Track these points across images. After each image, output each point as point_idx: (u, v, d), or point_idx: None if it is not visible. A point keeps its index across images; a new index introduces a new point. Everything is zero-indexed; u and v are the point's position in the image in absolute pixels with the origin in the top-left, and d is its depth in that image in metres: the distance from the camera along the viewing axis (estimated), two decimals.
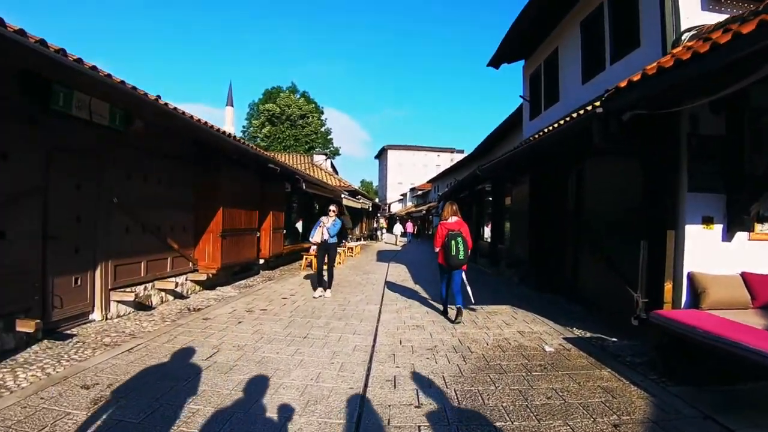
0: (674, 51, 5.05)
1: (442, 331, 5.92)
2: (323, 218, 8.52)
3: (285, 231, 13.09)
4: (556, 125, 6.12)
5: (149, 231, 6.77)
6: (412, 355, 4.85)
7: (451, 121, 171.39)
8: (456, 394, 3.76)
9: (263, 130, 48.46)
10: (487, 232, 15.72)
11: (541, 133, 6.64)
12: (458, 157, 43.98)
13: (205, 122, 6.78)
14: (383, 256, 19.28)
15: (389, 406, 3.50)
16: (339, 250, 15.10)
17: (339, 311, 7.10)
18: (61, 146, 5.21)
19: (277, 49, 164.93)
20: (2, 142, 4.40)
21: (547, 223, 8.90)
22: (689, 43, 5.10)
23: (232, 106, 47.38)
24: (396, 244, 30.11)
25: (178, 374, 4.04)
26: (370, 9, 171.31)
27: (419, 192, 54.93)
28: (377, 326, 6.16)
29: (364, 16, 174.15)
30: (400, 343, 5.30)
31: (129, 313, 6.33)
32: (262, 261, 11.41)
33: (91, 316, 5.79)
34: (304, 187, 12.66)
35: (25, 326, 4.43)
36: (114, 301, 6.04)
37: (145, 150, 6.66)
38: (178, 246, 7.51)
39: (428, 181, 48.97)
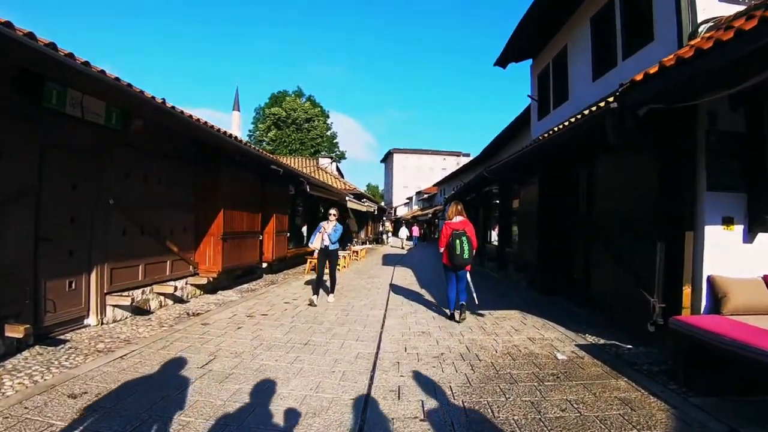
0: (692, 42, 4.83)
1: (449, 338, 5.68)
2: (323, 223, 8.10)
3: (289, 234, 12.90)
4: (566, 123, 5.90)
5: (148, 233, 6.60)
6: (418, 363, 4.62)
7: (458, 125, 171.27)
8: (464, 406, 3.53)
9: (269, 134, 48.47)
10: (494, 235, 15.46)
11: (550, 132, 6.41)
12: (464, 161, 43.75)
13: (205, 122, 6.62)
14: (389, 260, 19.06)
15: (393, 419, 3.28)
16: (343, 253, 14.94)
17: (342, 316, 6.88)
18: (56, 145, 5.05)
19: (284, 54, 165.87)
20: None
21: (557, 225, 8.64)
22: (707, 35, 4.88)
23: (238, 110, 47.26)
24: (402, 248, 29.85)
25: (171, 383, 3.85)
26: (373, 12, 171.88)
27: (425, 195, 54.68)
28: (381, 332, 5.93)
29: (368, 19, 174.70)
30: (405, 350, 5.07)
31: (126, 317, 6.15)
32: (265, 264, 11.22)
33: (86, 321, 5.62)
34: (308, 189, 12.48)
35: (14, 331, 4.26)
36: (110, 305, 5.86)
37: (144, 150, 6.50)
38: (178, 249, 7.34)
39: (434, 185, 48.69)
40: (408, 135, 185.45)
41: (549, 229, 8.83)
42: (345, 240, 21.78)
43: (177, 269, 7.41)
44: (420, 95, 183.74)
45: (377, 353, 4.94)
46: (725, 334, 3.60)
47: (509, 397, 3.72)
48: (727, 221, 4.86)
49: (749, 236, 4.84)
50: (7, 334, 4.24)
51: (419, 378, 4.15)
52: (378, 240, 38.84)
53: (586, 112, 5.31)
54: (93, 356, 4.54)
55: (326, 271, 8.15)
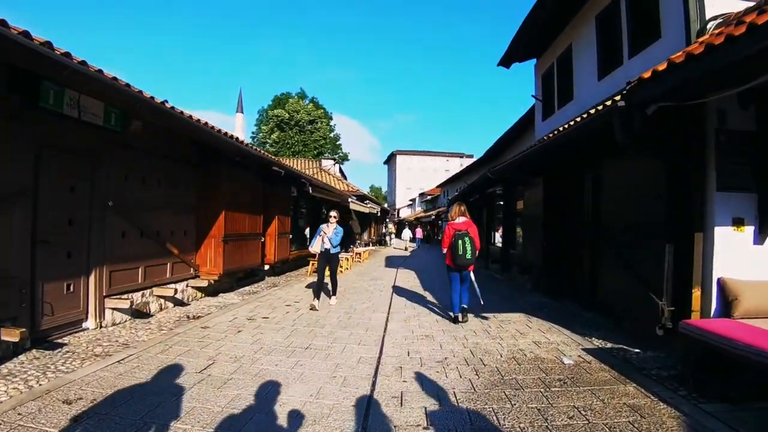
0: (700, 39, 4.72)
1: (452, 342, 5.57)
2: (323, 226, 7.89)
3: (291, 236, 12.82)
4: (572, 123, 5.79)
5: (147, 235, 6.53)
6: (421, 368, 4.51)
7: (461, 126, 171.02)
8: (468, 414, 3.42)
9: (272, 136, 48.50)
10: (498, 236, 15.33)
11: (555, 132, 6.31)
12: (468, 162, 43.56)
13: (205, 122, 6.54)
14: (392, 262, 18.95)
15: (395, 426, 3.18)
16: (346, 255, 14.85)
17: (344, 319, 6.78)
18: (53, 146, 4.98)
19: (287, 57, 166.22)
20: None
21: (562, 226, 8.52)
22: (716, 31, 4.77)
23: (242, 112, 47.24)
24: (405, 250, 29.73)
25: (168, 389, 3.76)
26: (378, 14, 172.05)
27: (428, 197, 54.53)
28: (384, 336, 5.83)
29: (373, 22, 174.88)
30: (408, 355, 4.97)
31: (125, 320, 6.08)
32: (267, 267, 11.14)
33: (84, 324, 5.55)
34: (310, 191, 12.41)
35: (9, 335, 4.17)
36: (109, 308, 5.79)
37: (143, 151, 6.43)
38: (179, 251, 7.26)
39: (437, 186, 48.53)
40: (412, 137, 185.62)
41: (554, 231, 8.71)
42: (348, 242, 21.71)
43: (177, 272, 7.34)
44: (424, 97, 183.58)
45: (379, 357, 4.84)
46: (738, 339, 3.49)
47: (515, 404, 3.62)
48: (738, 222, 4.74)
49: (760, 237, 4.73)
50: (3, 338, 4.16)
51: (422, 383, 4.05)
52: (381, 242, 38.74)
53: (592, 111, 5.20)
54: (90, 360, 4.46)
55: (327, 274, 7.99)
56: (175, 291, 6.88)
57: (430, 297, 9.32)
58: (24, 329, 4.28)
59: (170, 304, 7.13)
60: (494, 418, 3.34)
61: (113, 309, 5.84)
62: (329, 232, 7.73)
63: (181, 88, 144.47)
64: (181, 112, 5.88)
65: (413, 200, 68.13)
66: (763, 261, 4.66)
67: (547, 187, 8.89)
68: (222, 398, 3.59)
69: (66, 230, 5.22)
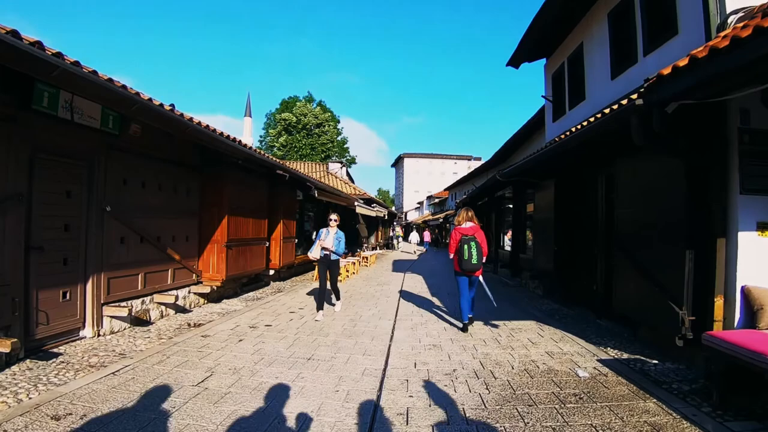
0: (723, 33, 4.47)
1: (461, 352, 5.34)
2: (323, 230, 7.50)
3: (297, 240, 12.64)
4: (585, 123, 5.55)
5: (148, 241, 6.37)
6: (428, 381, 4.28)
7: (469, 128, 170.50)
8: None
9: (280, 140, 48.57)
10: (507, 241, 15.06)
11: (567, 133, 6.07)
12: (475, 165, 43.28)
13: (206, 125, 6.38)
14: (399, 266, 18.72)
15: None
16: (353, 259, 14.65)
17: (349, 327, 6.57)
18: (47, 149, 4.83)
19: (295, 61, 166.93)
20: None
21: (574, 230, 8.25)
22: (740, 24, 4.53)
23: (250, 116, 47.57)
24: (412, 253, 29.50)
25: (162, 404, 3.57)
26: (384, 16, 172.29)
27: (436, 200, 54.24)
28: (390, 345, 5.61)
29: (380, 25, 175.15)
30: (415, 366, 4.74)
31: (124, 328, 5.92)
32: (272, 272, 10.97)
33: (81, 333, 5.39)
34: (316, 194, 12.21)
35: (1, 346, 4.02)
36: (107, 316, 5.63)
37: (143, 155, 6.29)
38: (180, 257, 7.10)
39: (445, 189, 48.22)
40: (419, 140, 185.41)
41: (566, 236, 8.43)
42: (354, 245, 21.50)
43: (179, 278, 7.18)
44: (431, 100, 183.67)
45: (385, 369, 4.62)
46: (766, 353, 3.25)
47: (528, 422, 3.38)
48: (763, 227, 4.48)
49: None
50: None
51: (430, 399, 3.83)
52: (388, 245, 38.52)
53: (607, 110, 4.96)
54: (84, 372, 4.29)
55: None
56: (176, 298, 6.71)
57: (438, 303, 9.09)
58: (16, 339, 4.12)
59: (171, 311, 6.97)
60: None
61: (111, 317, 5.68)
62: (329, 237, 7.39)
63: (189, 92, 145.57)
64: (181, 115, 5.73)
65: (421, 203, 67.86)
66: None
67: (558, 189, 8.62)
68: (218, 415, 3.40)
69: (62, 236, 5.07)
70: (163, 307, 6.74)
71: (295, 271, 13.16)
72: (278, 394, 3.86)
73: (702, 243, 4.69)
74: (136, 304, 6.16)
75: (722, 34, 4.50)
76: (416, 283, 12.50)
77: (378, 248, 31.32)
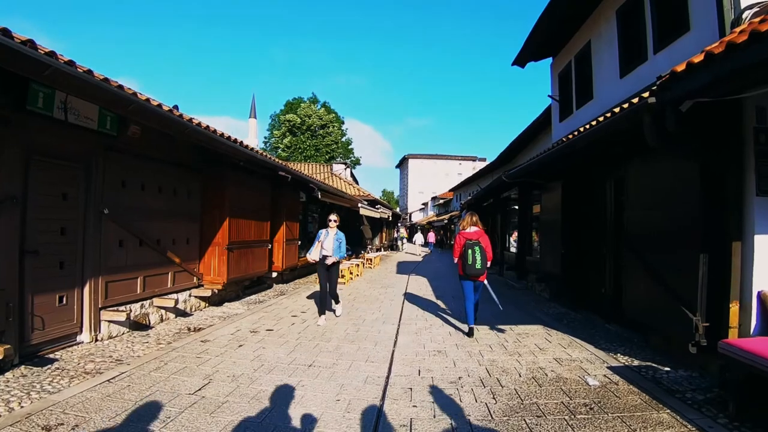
0: (739, 29, 4.31)
1: (467, 359, 5.18)
2: (322, 231, 7.21)
3: (300, 242, 12.52)
4: (594, 122, 5.40)
5: (147, 244, 6.26)
6: (432, 389, 4.14)
7: (473, 129, 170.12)
8: None
9: (284, 141, 48.56)
10: (513, 243, 14.88)
11: (576, 133, 5.91)
12: (480, 165, 43.10)
13: (206, 126, 6.27)
14: (403, 268, 18.57)
15: None
16: (356, 261, 14.52)
17: (352, 332, 6.43)
18: (43, 151, 4.72)
19: (301, 62, 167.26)
20: None
21: (581, 232, 8.07)
22: (755, 20, 4.36)
23: (255, 118, 47.61)
24: (417, 255, 29.34)
25: (157, 413, 3.45)
26: (389, 18, 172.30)
27: (441, 201, 54.03)
28: (393, 351, 5.47)
29: (384, 27, 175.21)
30: (419, 374, 4.60)
31: (123, 333, 5.81)
32: (275, 274, 10.84)
33: (78, 338, 5.28)
34: (319, 195, 12.10)
35: None
36: (105, 320, 5.52)
37: (142, 156, 6.18)
38: (181, 260, 6.99)
39: (450, 190, 48.05)
40: (424, 141, 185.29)
41: (574, 238, 8.25)
42: (358, 247, 21.37)
43: (180, 281, 7.07)
44: (436, 102, 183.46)
45: (388, 377, 4.48)
46: None
47: None
48: None
49: None
50: None
51: (434, 409, 3.68)
52: (393, 246, 38.37)
53: (617, 109, 4.80)
54: (79, 379, 4.18)
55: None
56: (176, 302, 6.60)
57: (442, 306, 8.94)
58: (8, 346, 4.04)
59: (172, 315, 6.86)
60: None
61: (109, 321, 5.57)
62: (329, 238, 7.10)
63: (194, 94, 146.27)
64: (180, 115, 5.62)
65: (425, 204, 67.67)
66: None
67: (565, 191, 8.45)
68: (213, 425, 3.27)
69: (58, 239, 4.96)
70: (163, 311, 6.63)
71: (299, 273, 13.04)
72: (277, 403, 3.73)
73: (716, 246, 4.52)
74: (135, 308, 6.05)
75: (738, 29, 4.33)
76: (420, 286, 12.35)
77: (382, 250, 31.18)
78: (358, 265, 14.43)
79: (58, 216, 4.98)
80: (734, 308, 4.41)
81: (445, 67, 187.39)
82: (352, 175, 33.98)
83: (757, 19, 4.22)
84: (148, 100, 5.04)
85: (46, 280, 4.79)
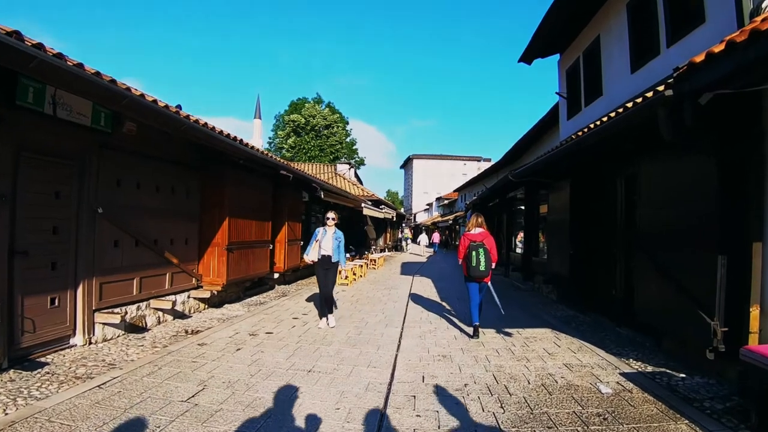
0: (759, 18, 4.10)
1: (473, 364, 4.98)
2: (320, 230, 6.84)
3: (303, 242, 12.33)
4: (605, 118, 5.18)
5: (144, 244, 6.10)
6: (437, 397, 3.94)
7: (478, 130, 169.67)
8: None
9: (288, 141, 48.46)
10: (519, 243, 14.64)
11: (585, 129, 5.70)
12: (485, 166, 42.82)
13: (205, 123, 6.10)
14: (408, 269, 18.37)
15: None
16: (360, 262, 14.34)
17: (354, 335, 6.24)
18: (34, 148, 4.57)
19: (305, 63, 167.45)
20: None
21: (590, 233, 7.83)
22: None
23: (260, 118, 47.65)
24: (421, 256, 29.13)
25: (146, 422, 3.27)
26: (393, 20, 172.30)
27: (445, 201, 53.80)
28: (396, 356, 5.27)
29: (388, 28, 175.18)
30: (423, 380, 4.40)
31: (118, 336, 5.65)
32: (277, 275, 10.66)
33: (71, 341, 5.12)
34: (322, 195, 11.93)
35: None
36: (99, 323, 5.36)
37: (138, 154, 6.02)
38: (179, 260, 6.82)
39: (455, 191, 47.78)
40: (429, 142, 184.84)
41: (582, 238, 8.01)
42: (362, 247, 21.18)
43: (178, 282, 6.90)
44: (441, 102, 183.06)
45: (390, 384, 4.28)
46: None
47: None
48: None
49: None
50: None
51: (439, 419, 3.49)
52: (397, 247, 38.17)
53: (630, 104, 4.59)
54: (69, 384, 4.01)
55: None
56: (173, 303, 6.43)
57: (447, 308, 8.74)
58: None
59: (170, 317, 6.69)
60: None
61: (104, 324, 5.41)
62: (327, 237, 6.75)
63: (199, 95, 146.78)
64: (177, 112, 5.45)
65: (430, 205, 67.46)
66: None
67: (574, 190, 8.21)
68: None
69: (50, 239, 4.80)
70: (160, 313, 6.47)
71: (301, 274, 12.87)
72: (273, 412, 3.54)
73: (736, 247, 4.29)
74: (131, 310, 5.89)
75: (759, 18, 4.12)
76: (425, 287, 12.14)
77: (386, 250, 31.01)
78: (361, 265, 14.25)
79: (51, 215, 4.83)
80: (755, 312, 4.19)
81: (450, 68, 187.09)
82: (356, 175, 33.83)
83: None
84: (142, 95, 4.86)
85: (37, 281, 4.63)
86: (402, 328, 6.77)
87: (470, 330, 6.39)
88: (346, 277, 11.92)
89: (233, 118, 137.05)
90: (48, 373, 4.29)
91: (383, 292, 10.93)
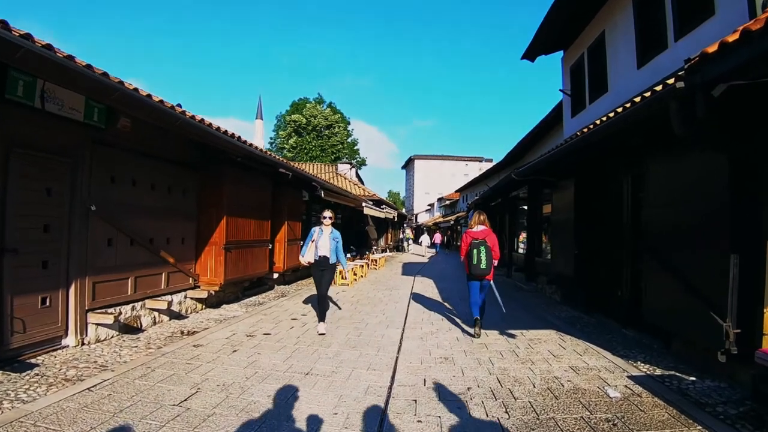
0: None
1: (476, 367, 4.82)
2: (315, 229, 6.55)
3: (302, 242, 12.18)
4: (612, 114, 5.03)
5: (139, 243, 5.96)
6: (439, 402, 3.79)
7: (480, 131, 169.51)
8: None
9: (290, 141, 48.36)
10: (521, 243, 14.48)
11: (592, 126, 5.54)
12: (487, 166, 42.66)
13: (201, 119, 5.96)
14: (409, 269, 18.22)
15: None
16: (361, 262, 14.19)
17: (354, 337, 6.09)
18: (25, 143, 4.44)
19: (307, 64, 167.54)
20: None
21: (596, 233, 7.67)
22: None
23: (261, 119, 47.47)
24: (423, 256, 28.97)
25: (134, 428, 3.13)
26: (395, 20, 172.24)
27: (447, 202, 53.67)
28: (397, 358, 5.12)
29: (390, 29, 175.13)
30: (424, 384, 4.24)
31: (111, 337, 5.51)
32: (276, 275, 10.53)
33: (63, 342, 4.99)
34: (322, 194, 11.79)
35: None
36: (92, 323, 5.22)
37: (134, 151, 5.89)
38: (175, 260, 6.68)
39: (456, 191, 47.66)
40: (430, 142, 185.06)
41: (587, 238, 7.85)
42: (363, 248, 21.04)
43: (174, 282, 6.76)
44: (442, 103, 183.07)
45: (391, 387, 4.13)
46: None
47: None
48: None
49: None
50: None
51: (441, 425, 3.34)
52: (398, 247, 38.01)
53: (638, 99, 4.44)
54: (57, 386, 3.87)
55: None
56: (169, 303, 6.28)
57: (449, 309, 8.59)
58: None
59: (166, 318, 6.55)
60: None
61: (97, 324, 5.27)
62: (323, 238, 6.45)
63: (201, 95, 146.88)
64: (172, 107, 5.31)
65: (432, 205, 67.30)
66: None
67: (578, 188, 8.05)
68: None
69: (41, 237, 4.67)
70: (156, 313, 6.33)
71: (301, 274, 12.72)
72: (268, 417, 3.40)
73: (748, 246, 4.13)
74: (126, 310, 5.75)
75: None
76: (426, 288, 11.99)
77: (387, 251, 30.87)
78: (362, 266, 14.11)
79: (42, 212, 4.69)
80: None
81: (452, 68, 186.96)
82: (357, 175, 33.70)
83: None
84: (136, 89, 4.73)
85: (27, 279, 4.50)
86: (403, 330, 6.62)
87: (473, 331, 6.27)
88: (345, 278, 11.76)
89: (235, 119, 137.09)
90: (37, 374, 4.15)
91: (384, 293, 10.78)
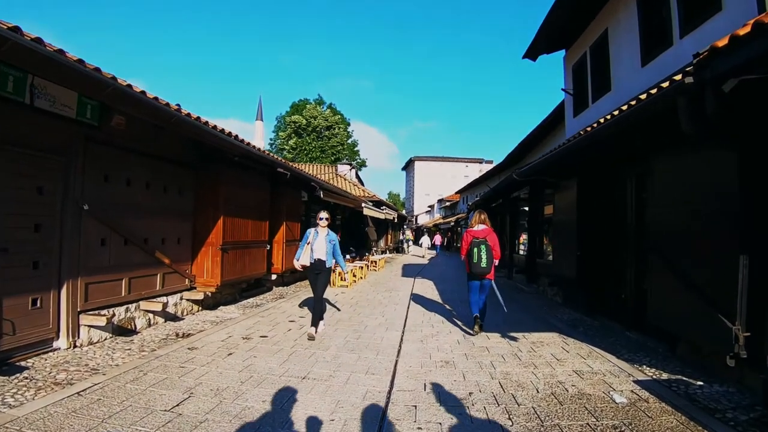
0: None
1: (477, 371, 4.70)
2: (311, 231, 6.37)
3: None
4: (616, 112, 4.92)
5: (133, 243, 5.84)
6: (440, 407, 3.67)
7: (480, 132, 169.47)
8: None
9: (290, 142, 48.26)
10: (522, 245, 14.36)
11: (595, 125, 5.43)
12: (487, 167, 42.58)
13: (197, 117, 5.85)
14: (409, 271, 18.09)
15: None
16: (359, 264, 14.07)
17: (352, 339, 5.96)
18: (15, 141, 4.32)
19: (307, 65, 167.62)
20: None
21: (600, 234, 7.55)
22: None
23: (261, 120, 47.35)
24: (423, 257, 28.84)
25: None
26: (396, 20, 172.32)
27: (447, 203, 53.58)
28: (397, 361, 4.99)
29: (391, 29, 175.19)
30: (424, 389, 4.12)
31: (105, 339, 5.39)
32: (274, 276, 10.41)
33: (55, 344, 4.87)
34: (321, 195, 11.67)
35: None
36: (84, 325, 5.10)
37: (128, 149, 5.77)
38: (171, 260, 6.56)
39: (456, 192, 47.55)
40: (430, 144, 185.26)
41: (590, 239, 7.73)
42: (363, 249, 20.91)
43: (170, 283, 6.64)
44: (443, 104, 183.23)
45: (390, 392, 4.01)
46: None
47: None
48: None
49: None
50: None
51: (441, 431, 3.22)
52: (398, 249, 37.88)
53: (643, 96, 4.32)
54: (46, 390, 3.75)
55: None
56: (164, 305, 6.15)
57: (449, 311, 8.46)
58: None
59: (161, 319, 6.43)
60: None
61: (89, 326, 5.15)
62: (319, 240, 6.27)
63: (202, 97, 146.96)
64: (167, 104, 5.19)
65: (432, 206, 67.19)
66: None
67: (581, 189, 7.93)
68: None
69: (31, 237, 4.55)
70: (151, 315, 6.21)
71: (300, 275, 12.53)
72: (262, 423, 3.28)
73: (758, 246, 4.01)
74: (120, 311, 5.63)
75: None
76: (427, 289, 11.86)
77: (387, 252, 30.74)
78: (362, 267, 13.98)
79: (33, 211, 4.58)
80: None
81: (452, 69, 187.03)
82: (357, 176, 33.57)
83: None
84: (129, 85, 4.62)
85: (17, 280, 4.38)
86: (403, 332, 6.50)
87: (472, 332, 6.21)
88: (344, 279, 11.62)
89: (235, 120, 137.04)
90: (26, 378, 4.04)
91: (384, 295, 10.65)
